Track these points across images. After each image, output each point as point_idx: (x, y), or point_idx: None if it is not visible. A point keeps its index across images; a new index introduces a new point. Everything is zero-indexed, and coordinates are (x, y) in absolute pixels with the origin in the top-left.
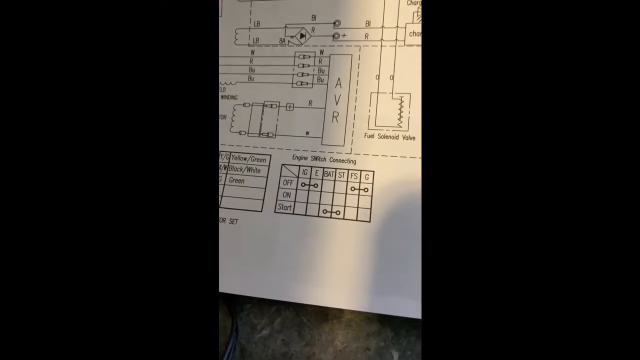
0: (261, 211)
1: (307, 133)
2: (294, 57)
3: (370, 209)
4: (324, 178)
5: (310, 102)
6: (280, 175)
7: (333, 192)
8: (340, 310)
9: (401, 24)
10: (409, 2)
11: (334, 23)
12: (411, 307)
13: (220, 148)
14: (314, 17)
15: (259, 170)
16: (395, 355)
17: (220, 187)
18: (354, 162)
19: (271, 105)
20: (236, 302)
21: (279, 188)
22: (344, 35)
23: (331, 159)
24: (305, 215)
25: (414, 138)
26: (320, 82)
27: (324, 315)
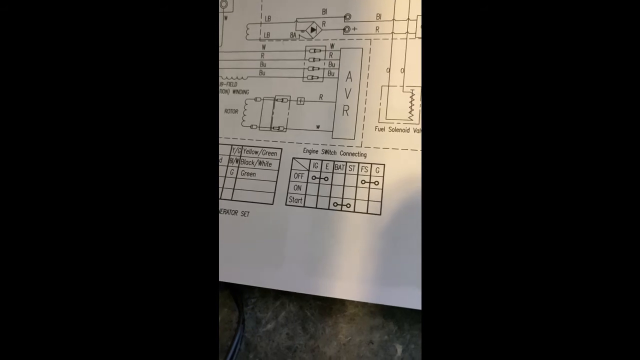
0: (272, 204)
1: (318, 127)
2: (305, 51)
3: (381, 202)
4: (335, 171)
5: (320, 96)
6: (291, 169)
7: (344, 185)
8: (344, 304)
9: (412, 17)
10: None
11: (345, 17)
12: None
13: (232, 142)
14: (324, 11)
15: (270, 164)
16: (399, 348)
17: (232, 180)
18: (365, 156)
19: (282, 99)
20: (242, 296)
21: (289, 181)
22: (354, 29)
23: (342, 153)
24: (316, 208)
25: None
26: (330, 76)
27: (327, 309)
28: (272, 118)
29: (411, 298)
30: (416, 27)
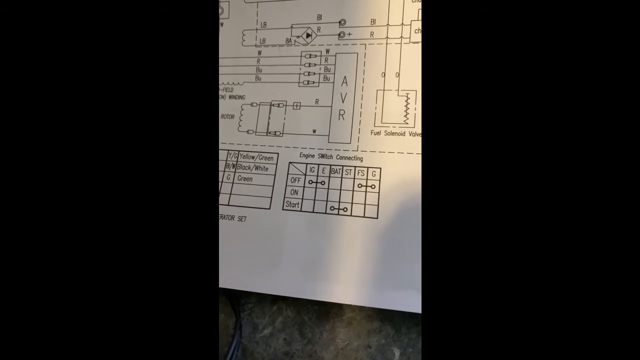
0: (269, 208)
1: (314, 131)
2: (301, 56)
3: (378, 205)
4: (331, 175)
5: (317, 101)
6: (288, 173)
7: (340, 189)
8: (341, 308)
9: (406, 22)
10: (414, 0)
11: (340, 22)
12: (420, 303)
13: (229, 147)
14: (319, 17)
15: (267, 169)
16: (397, 352)
17: (229, 186)
18: (361, 159)
19: (278, 104)
20: (238, 302)
21: (286, 186)
22: (349, 34)
23: (338, 157)
24: (313, 212)
25: (420, 134)
26: (326, 81)
27: (324, 313)
28: (268, 123)
29: (409, 301)
30: (410, 32)
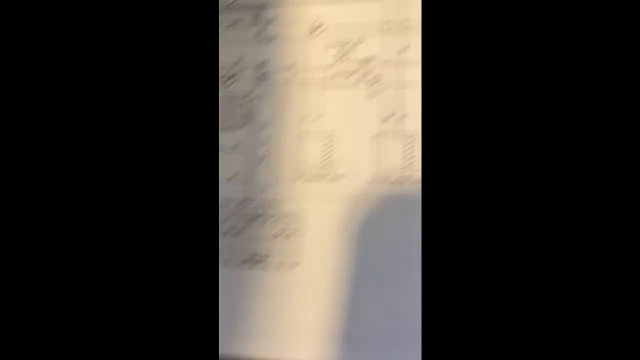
0: None
1: (233, 176)
2: (220, 100)
3: (299, 251)
4: (251, 222)
5: (236, 145)
6: None
7: (258, 237)
8: None
9: (325, 65)
10: (330, 46)
11: (260, 65)
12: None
13: None
14: (239, 60)
15: None
16: None
17: None
18: (282, 205)
19: None
20: None
21: None
22: (270, 77)
23: (258, 203)
24: (228, 264)
25: (343, 176)
26: (246, 125)
27: None
28: None
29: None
30: (329, 76)
